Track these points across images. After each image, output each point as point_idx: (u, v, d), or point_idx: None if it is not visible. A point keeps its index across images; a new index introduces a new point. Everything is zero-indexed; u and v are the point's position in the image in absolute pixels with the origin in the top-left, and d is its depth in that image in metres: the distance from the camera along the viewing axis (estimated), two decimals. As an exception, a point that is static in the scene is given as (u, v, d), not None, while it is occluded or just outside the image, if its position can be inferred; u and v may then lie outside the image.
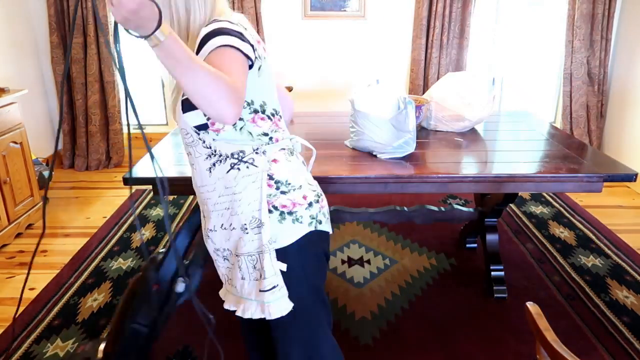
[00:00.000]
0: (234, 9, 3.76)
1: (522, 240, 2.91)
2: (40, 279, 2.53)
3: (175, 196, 3.50)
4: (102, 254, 2.77)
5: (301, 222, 1.21)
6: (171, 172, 1.94)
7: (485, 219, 2.48)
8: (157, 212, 3.29)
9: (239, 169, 1.19)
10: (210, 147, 1.20)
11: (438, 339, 2.08)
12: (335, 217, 2.52)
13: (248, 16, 3.79)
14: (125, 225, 3.10)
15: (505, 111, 2.96)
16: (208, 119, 1.15)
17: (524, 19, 4.17)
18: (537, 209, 3.30)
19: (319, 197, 1.27)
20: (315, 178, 1.79)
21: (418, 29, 3.87)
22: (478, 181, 1.90)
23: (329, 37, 4.05)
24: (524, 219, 3.17)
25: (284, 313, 1.21)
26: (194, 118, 1.15)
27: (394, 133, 1.95)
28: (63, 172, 4.08)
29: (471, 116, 2.30)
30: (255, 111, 1.19)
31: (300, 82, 4.08)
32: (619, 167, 1.96)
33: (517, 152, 2.15)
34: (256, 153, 1.20)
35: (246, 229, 1.20)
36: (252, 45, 1.11)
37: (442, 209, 2.61)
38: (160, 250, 1.34)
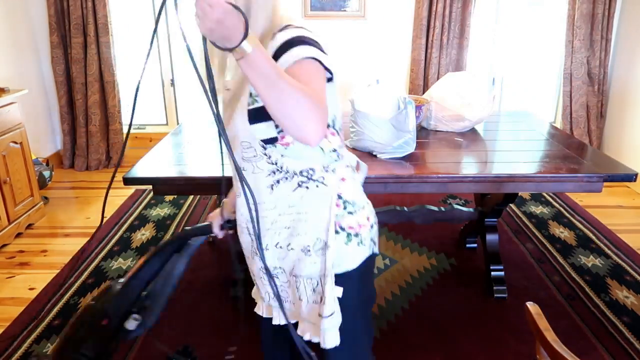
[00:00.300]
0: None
1: (522, 240, 2.91)
2: (40, 279, 2.53)
3: (175, 196, 3.50)
4: (102, 253, 2.77)
5: (364, 245, 1.16)
6: (171, 172, 1.94)
7: (485, 219, 2.48)
8: (157, 211, 3.28)
9: (307, 187, 1.11)
10: (276, 163, 1.09)
11: (438, 339, 2.08)
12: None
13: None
14: (126, 225, 3.10)
15: (505, 111, 2.96)
16: (279, 131, 1.05)
17: (524, 19, 4.17)
18: (537, 209, 3.30)
19: (376, 217, 1.22)
20: None
21: (418, 29, 3.87)
22: (478, 181, 1.90)
23: (329, 37, 4.04)
24: (524, 219, 3.17)
25: (337, 343, 1.15)
26: (264, 131, 1.05)
27: (394, 133, 1.95)
28: (63, 172, 4.08)
29: (471, 116, 2.30)
30: (328, 125, 1.11)
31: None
32: (619, 167, 1.96)
33: (517, 152, 2.15)
34: (326, 171, 1.12)
35: (309, 250, 1.12)
36: (324, 50, 1.03)
37: (442, 209, 2.61)
38: (120, 280, 1.28)
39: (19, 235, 2.98)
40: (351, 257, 1.14)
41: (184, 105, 4.44)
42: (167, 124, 4.48)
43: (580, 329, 2.13)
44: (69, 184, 3.83)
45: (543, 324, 0.94)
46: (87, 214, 3.30)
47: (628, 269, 2.58)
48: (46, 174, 3.49)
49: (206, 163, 2.06)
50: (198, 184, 1.93)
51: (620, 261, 2.65)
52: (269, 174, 1.10)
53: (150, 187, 2.12)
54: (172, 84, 4.32)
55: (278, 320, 1.26)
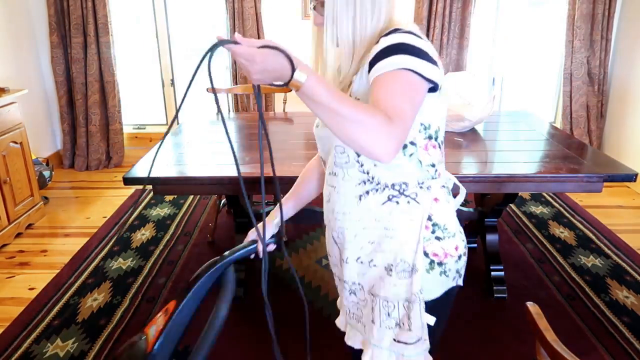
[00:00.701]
0: (233, 9, 3.77)
1: (522, 240, 2.91)
2: (40, 279, 2.53)
3: (175, 196, 3.50)
4: (102, 253, 2.77)
5: (447, 276, 1.07)
6: (171, 172, 1.94)
7: (485, 219, 2.47)
8: (157, 211, 3.28)
9: (397, 202, 1.04)
10: (368, 173, 1.04)
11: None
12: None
13: (249, 17, 3.79)
14: (126, 225, 3.10)
15: (505, 111, 2.96)
16: None
17: (524, 19, 4.17)
18: (537, 209, 3.30)
19: (466, 247, 1.12)
20: None
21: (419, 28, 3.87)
22: (478, 181, 1.90)
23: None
24: (524, 219, 3.17)
25: None
26: None
27: None
28: (63, 171, 4.08)
29: (471, 116, 2.29)
30: (430, 137, 1.03)
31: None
32: (619, 167, 1.96)
33: (517, 152, 2.15)
34: (420, 187, 1.04)
35: (391, 270, 1.06)
36: (436, 64, 0.96)
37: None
38: (143, 337, 1.04)
39: (19, 235, 2.98)
40: (430, 287, 1.06)
41: (184, 105, 4.43)
42: (167, 124, 4.48)
43: (580, 329, 2.13)
44: (69, 184, 3.83)
45: (543, 324, 0.94)
46: (87, 214, 3.30)
47: (628, 269, 2.58)
48: (46, 173, 3.49)
49: (206, 163, 2.06)
50: (198, 184, 1.93)
51: (620, 261, 2.65)
52: (359, 183, 1.05)
53: (150, 187, 2.12)
54: (172, 84, 4.32)
55: (351, 341, 1.21)
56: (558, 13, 4.00)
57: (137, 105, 4.47)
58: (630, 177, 1.88)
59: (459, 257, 1.09)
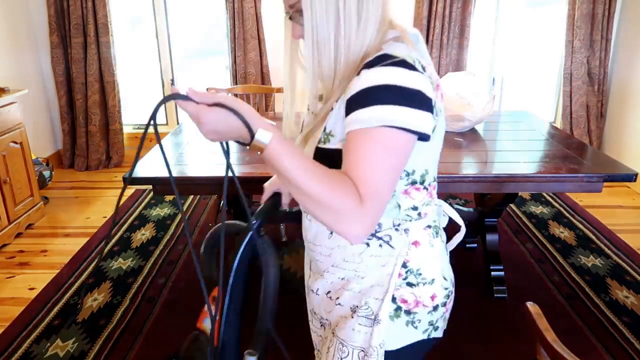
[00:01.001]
0: (233, 10, 3.77)
1: (522, 240, 2.91)
2: (40, 279, 2.53)
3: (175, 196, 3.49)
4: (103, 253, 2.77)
5: (415, 328, 0.94)
6: (172, 172, 1.94)
7: (485, 219, 2.48)
8: (157, 212, 3.29)
9: (368, 244, 0.92)
10: None
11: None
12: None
13: (249, 17, 3.79)
14: (126, 225, 3.10)
15: (505, 111, 2.96)
16: None
17: (523, 19, 4.17)
18: (537, 209, 3.30)
19: (449, 297, 0.98)
20: None
21: (418, 29, 3.86)
22: (478, 181, 1.90)
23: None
24: (524, 219, 3.17)
25: None
26: None
27: None
28: (63, 172, 4.08)
29: (471, 116, 2.30)
30: (413, 182, 0.90)
31: (298, 82, 4.08)
32: (619, 167, 1.96)
33: (517, 152, 2.15)
34: (396, 230, 0.91)
35: (354, 312, 0.94)
36: (428, 107, 0.79)
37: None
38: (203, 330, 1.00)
39: (19, 235, 2.98)
40: (392, 336, 0.93)
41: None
42: (167, 124, 4.48)
43: (580, 329, 2.13)
44: (69, 184, 3.84)
45: (543, 324, 0.94)
46: (87, 214, 3.30)
47: (628, 269, 2.58)
48: (46, 173, 3.49)
49: (206, 163, 2.06)
50: (198, 184, 1.93)
51: (620, 261, 2.65)
52: None
53: (150, 187, 2.12)
54: (172, 84, 4.32)
55: None
56: (558, 13, 4.00)
57: (137, 105, 4.47)
58: (630, 177, 1.88)
59: (435, 307, 0.94)
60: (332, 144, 0.86)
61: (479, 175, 1.89)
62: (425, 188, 0.92)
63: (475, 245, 2.80)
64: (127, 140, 4.33)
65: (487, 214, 2.47)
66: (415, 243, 0.93)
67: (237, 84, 3.98)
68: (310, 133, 0.92)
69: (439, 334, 1.00)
